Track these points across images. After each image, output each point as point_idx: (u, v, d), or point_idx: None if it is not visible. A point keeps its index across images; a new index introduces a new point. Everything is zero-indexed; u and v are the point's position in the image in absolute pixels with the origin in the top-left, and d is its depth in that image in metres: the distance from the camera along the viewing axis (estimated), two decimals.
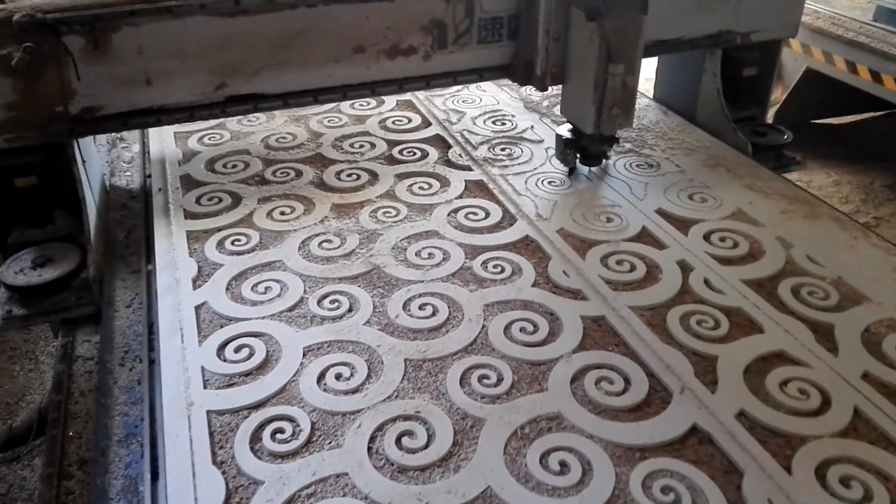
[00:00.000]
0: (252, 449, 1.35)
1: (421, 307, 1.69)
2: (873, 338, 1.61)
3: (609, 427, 1.39)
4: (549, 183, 2.20)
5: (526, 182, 2.20)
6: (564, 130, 2.21)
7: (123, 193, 2.30)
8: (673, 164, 2.32)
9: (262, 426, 1.39)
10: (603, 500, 1.25)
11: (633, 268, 1.83)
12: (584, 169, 2.27)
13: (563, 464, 1.32)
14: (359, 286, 1.76)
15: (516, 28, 2.16)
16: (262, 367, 1.53)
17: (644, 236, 1.96)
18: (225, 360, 1.55)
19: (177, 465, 1.31)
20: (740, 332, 1.63)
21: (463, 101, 2.76)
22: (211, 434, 1.38)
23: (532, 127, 2.56)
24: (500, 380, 1.50)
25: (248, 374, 1.52)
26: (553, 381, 1.49)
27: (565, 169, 2.27)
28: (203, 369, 1.52)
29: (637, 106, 2.69)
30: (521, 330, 1.62)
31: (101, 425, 1.50)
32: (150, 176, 2.29)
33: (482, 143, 2.43)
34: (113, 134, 2.67)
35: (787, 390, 1.47)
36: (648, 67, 3.00)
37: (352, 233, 1.96)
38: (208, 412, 1.42)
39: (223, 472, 1.30)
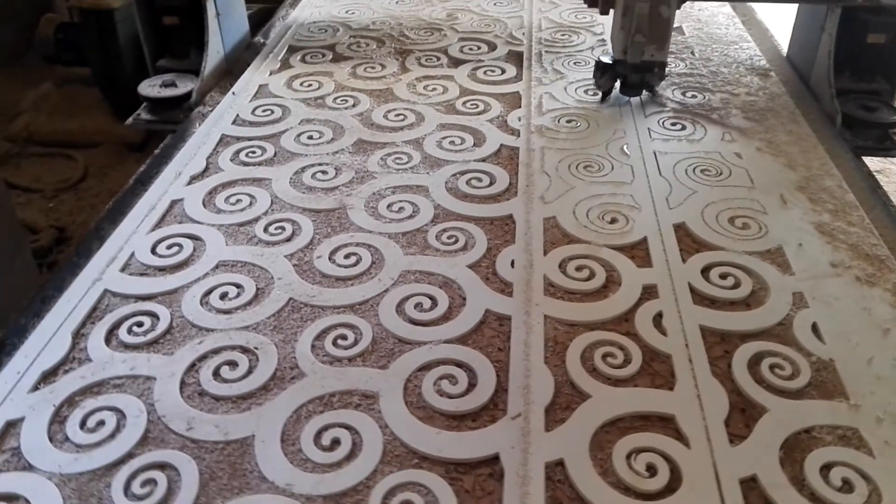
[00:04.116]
0: (109, 332, 1.48)
1: (347, 256, 1.67)
2: (805, 444, 1.25)
3: (410, 425, 1.28)
4: (586, 167, 1.97)
5: (560, 161, 2.00)
6: (605, 56, 2.20)
7: None
8: (748, 177, 1.93)
9: (132, 315, 1.52)
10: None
11: (590, 276, 1.60)
12: (622, 99, 2.28)
13: (335, 441, 1.26)
14: (313, 220, 1.79)
15: None
16: (176, 268, 1.65)
17: (636, 249, 1.69)
18: (154, 253, 1.70)
19: (48, 327, 1.50)
20: (646, 380, 1.37)
21: (575, 64, 2.54)
22: (94, 309, 1.54)
23: (629, 101, 2.29)
24: (354, 343, 1.45)
25: (162, 269, 1.65)
26: (400, 362, 1.41)
27: (620, 158, 2.02)
28: (133, 255, 1.69)
29: (768, 103, 2.29)
30: (416, 306, 1.54)
31: (59, 278, 1.75)
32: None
33: (552, 111, 2.24)
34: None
35: (634, 463, 1.22)
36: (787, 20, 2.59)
37: (350, 170, 1.97)
38: (105, 290, 1.59)
39: (74, 344, 1.46)
